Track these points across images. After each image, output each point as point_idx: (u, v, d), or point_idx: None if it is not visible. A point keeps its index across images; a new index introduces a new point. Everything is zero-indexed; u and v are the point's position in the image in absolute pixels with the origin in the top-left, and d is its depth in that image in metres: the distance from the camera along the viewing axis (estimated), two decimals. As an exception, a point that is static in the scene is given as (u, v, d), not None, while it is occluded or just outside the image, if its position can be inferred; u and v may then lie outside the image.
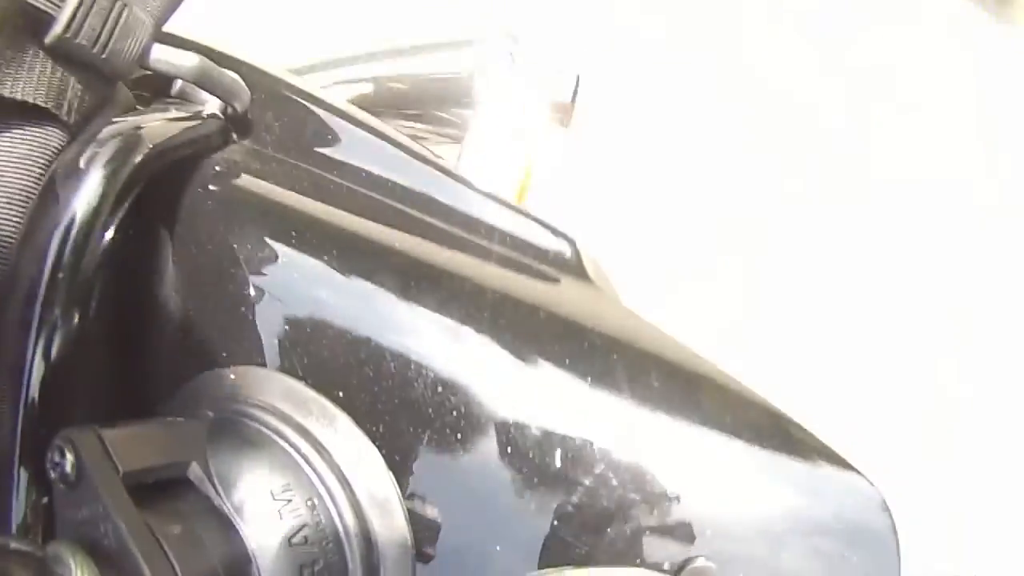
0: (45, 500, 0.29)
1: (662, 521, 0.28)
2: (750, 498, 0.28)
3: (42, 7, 0.29)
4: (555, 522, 0.28)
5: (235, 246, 0.32)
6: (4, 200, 0.29)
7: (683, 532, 0.28)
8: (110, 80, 0.33)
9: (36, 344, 0.28)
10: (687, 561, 0.28)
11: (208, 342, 0.32)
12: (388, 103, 0.60)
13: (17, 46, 0.29)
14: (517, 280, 0.36)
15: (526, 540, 0.28)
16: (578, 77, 0.59)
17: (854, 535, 0.29)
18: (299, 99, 0.42)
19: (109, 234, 0.30)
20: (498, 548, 0.29)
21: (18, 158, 0.30)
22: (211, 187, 0.34)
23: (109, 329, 0.32)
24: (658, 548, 0.28)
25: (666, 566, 0.28)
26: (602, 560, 0.28)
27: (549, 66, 0.61)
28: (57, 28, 0.29)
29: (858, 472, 0.30)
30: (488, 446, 0.29)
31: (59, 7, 0.29)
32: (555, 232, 0.39)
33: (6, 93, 0.29)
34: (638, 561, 0.28)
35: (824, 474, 0.30)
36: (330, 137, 0.41)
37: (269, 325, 0.31)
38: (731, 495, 0.28)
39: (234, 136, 0.38)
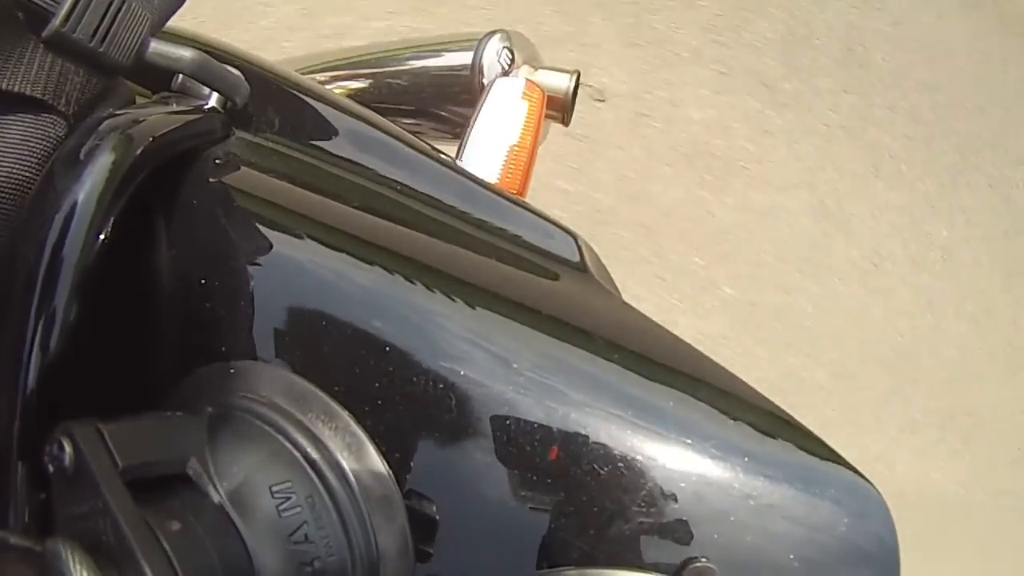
0: (44, 494, 0.28)
1: (661, 521, 0.28)
2: (751, 498, 0.28)
3: (39, 4, 0.29)
4: (554, 522, 0.28)
5: (234, 238, 0.32)
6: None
7: (683, 532, 0.28)
8: (109, 73, 0.32)
9: (34, 335, 0.28)
10: (687, 561, 0.28)
11: (208, 336, 0.31)
12: (387, 100, 0.60)
13: (15, 38, 0.29)
14: (518, 275, 0.36)
15: (525, 539, 0.28)
16: (578, 73, 0.59)
17: (855, 536, 0.29)
18: (298, 93, 0.42)
19: (108, 226, 0.30)
20: (497, 547, 0.28)
21: (13, 146, 0.29)
22: (211, 179, 0.34)
23: (108, 321, 0.31)
24: (657, 548, 0.28)
25: (666, 567, 0.28)
26: (601, 560, 0.28)
27: (548, 63, 0.61)
28: (55, 22, 0.29)
29: (860, 474, 0.30)
30: (488, 444, 0.29)
31: (57, 2, 0.29)
32: (557, 226, 0.39)
33: (3, 85, 0.29)
34: (637, 562, 0.28)
35: (826, 475, 0.30)
36: (329, 131, 0.41)
37: (269, 319, 0.31)
38: (732, 494, 0.28)
39: (234, 129, 0.38)
